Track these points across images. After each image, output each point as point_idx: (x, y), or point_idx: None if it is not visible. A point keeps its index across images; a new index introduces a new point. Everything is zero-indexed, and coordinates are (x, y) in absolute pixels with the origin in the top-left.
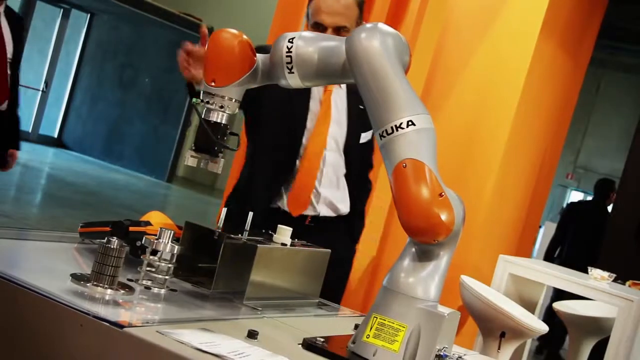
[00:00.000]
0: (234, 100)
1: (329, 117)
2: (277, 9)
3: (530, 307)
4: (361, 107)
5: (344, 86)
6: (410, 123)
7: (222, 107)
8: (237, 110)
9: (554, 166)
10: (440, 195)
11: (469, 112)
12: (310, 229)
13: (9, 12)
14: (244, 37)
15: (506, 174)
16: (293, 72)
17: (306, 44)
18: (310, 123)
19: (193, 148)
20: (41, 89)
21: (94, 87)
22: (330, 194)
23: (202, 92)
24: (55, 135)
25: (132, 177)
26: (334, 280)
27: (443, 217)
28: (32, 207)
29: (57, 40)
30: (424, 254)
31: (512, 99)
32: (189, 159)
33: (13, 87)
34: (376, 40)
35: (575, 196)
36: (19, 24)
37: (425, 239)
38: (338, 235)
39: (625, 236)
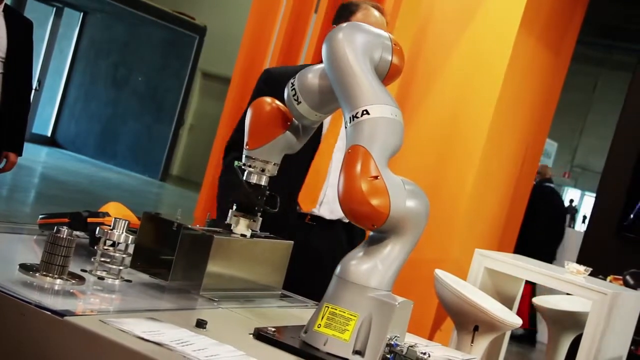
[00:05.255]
0: (273, 163)
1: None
2: (251, 9)
3: (508, 301)
4: None
5: None
6: (364, 112)
7: (263, 170)
8: (275, 173)
9: (536, 162)
10: (376, 178)
11: (449, 108)
12: (311, 228)
13: (11, 12)
14: (276, 103)
15: (487, 169)
16: (300, 102)
17: (307, 72)
18: (325, 124)
19: (235, 207)
20: (34, 87)
21: (87, 85)
22: (334, 195)
23: (244, 155)
24: (49, 134)
25: (126, 175)
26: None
27: (373, 201)
28: (24, 205)
29: (50, 39)
30: (376, 243)
31: (492, 94)
32: (232, 218)
33: (12, 87)
34: (345, 38)
35: (571, 195)
36: (25, 25)
37: (360, 223)
38: (338, 241)
39: (606, 232)
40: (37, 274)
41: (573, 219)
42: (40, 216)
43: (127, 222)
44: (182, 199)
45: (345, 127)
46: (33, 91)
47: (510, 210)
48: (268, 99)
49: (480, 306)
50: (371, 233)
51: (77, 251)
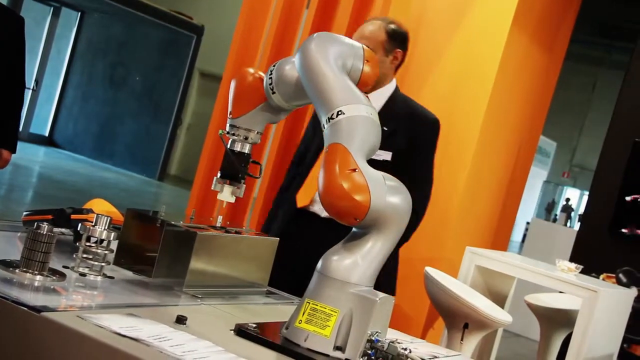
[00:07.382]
0: (256, 132)
1: None
2: (242, 6)
3: (499, 299)
4: (385, 128)
5: (376, 104)
6: (340, 112)
7: (246, 138)
8: (259, 141)
9: (529, 161)
10: (354, 170)
11: (442, 106)
12: (307, 224)
13: (1, 9)
14: (258, 73)
15: (479, 168)
16: (275, 92)
17: (285, 63)
18: None
19: (219, 175)
20: (32, 87)
21: (85, 85)
22: None
23: (227, 124)
24: (46, 134)
25: (123, 175)
26: None
27: (354, 195)
28: (21, 205)
29: (48, 39)
30: (357, 239)
31: (484, 92)
32: (217, 185)
33: (4, 84)
34: (317, 46)
35: (570, 194)
36: (16, 21)
37: (341, 218)
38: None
39: (599, 230)
40: (16, 270)
41: (570, 218)
42: (25, 213)
43: (109, 218)
44: (180, 199)
45: (323, 131)
46: (31, 91)
47: (503, 208)
48: (251, 70)
49: (470, 303)
50: (353, 229)
51: (61, 248)
